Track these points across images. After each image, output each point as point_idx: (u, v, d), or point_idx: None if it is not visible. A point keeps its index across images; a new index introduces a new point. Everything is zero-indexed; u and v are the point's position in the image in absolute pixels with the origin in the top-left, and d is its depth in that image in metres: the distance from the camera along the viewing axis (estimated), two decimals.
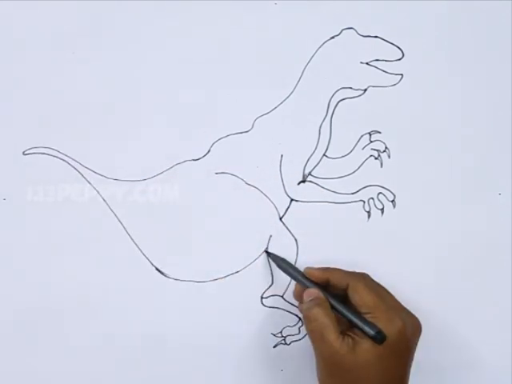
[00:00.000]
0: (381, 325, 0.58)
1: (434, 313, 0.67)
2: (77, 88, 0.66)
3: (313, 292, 0.62)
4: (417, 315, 0.61)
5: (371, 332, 0.58)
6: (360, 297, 0.60)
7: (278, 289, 0.67)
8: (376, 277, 0.64)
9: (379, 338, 0.58)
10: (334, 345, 0.58)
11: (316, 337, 0.60)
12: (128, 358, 0.66)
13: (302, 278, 0.64)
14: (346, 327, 0.60)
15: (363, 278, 0.63)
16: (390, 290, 0.63)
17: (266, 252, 0.66)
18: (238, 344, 0.66)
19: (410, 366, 0.61)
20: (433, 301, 0.67)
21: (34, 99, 0.66)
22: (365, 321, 0.59)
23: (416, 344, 0.61)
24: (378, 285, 0.63)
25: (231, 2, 0.67)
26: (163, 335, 0.66)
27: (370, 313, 0.59)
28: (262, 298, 0.67)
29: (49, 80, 0.66)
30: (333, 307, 0.61)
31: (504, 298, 0.68)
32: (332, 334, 0.58)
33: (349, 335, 0.59)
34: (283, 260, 0.66)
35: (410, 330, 0.60)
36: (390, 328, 0.58)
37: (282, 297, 0.67)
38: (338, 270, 0.64)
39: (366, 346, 0.58)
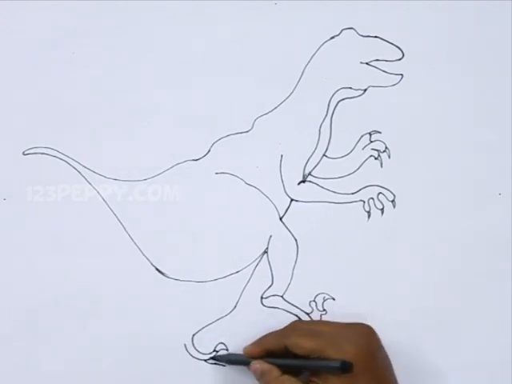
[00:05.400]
0: (335, 356, 0.57)
1: (433, 313, 0.67)
2: (77, 88, 0.66)
3: (255, 368, 0.61)
4: (416, 315, 0.61)
5: (336, 364, 0.55)
6: (299, 346, 0.59)
7: (277, 289, 0.67)
8: (375, 277, 0.64)
9: (347, 366, 0.56)
10: None
11: None
12: (128, 358, 0.66)
13: (245, 359, 0.63)
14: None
15: (293, 328, 0.63)
16: (390, 290, 0.63)
17: (213, 358, 0.66)
18: (237, 344, 0.66)
19: (391, 370, 0.60)
20: (432, 301, 0.67)
21: (34, 99, 0.66)
22: (322, 360, 0.57)
23: (380, 346, 0.60)
24: (310, 322, 0.64)
25: (231, 1, 0.67)
26: (163, 335, 0.66)
27: (317, 353, 0.58)
28: (261, 298, 0.67)
29: (49, 80, 0.66)
30: (285, 368, 0.60)
31: (504, 298, 0.68)
32: None
33: (313, 382, 0.59)
34: (225, 356, 0.65)
35: (362, 342, 0.59)
36: (344, 354, 0.57)
37: (281, 297, 0.67)
38: (270, 334, 0.63)
39: (337, 382, 0.57)
